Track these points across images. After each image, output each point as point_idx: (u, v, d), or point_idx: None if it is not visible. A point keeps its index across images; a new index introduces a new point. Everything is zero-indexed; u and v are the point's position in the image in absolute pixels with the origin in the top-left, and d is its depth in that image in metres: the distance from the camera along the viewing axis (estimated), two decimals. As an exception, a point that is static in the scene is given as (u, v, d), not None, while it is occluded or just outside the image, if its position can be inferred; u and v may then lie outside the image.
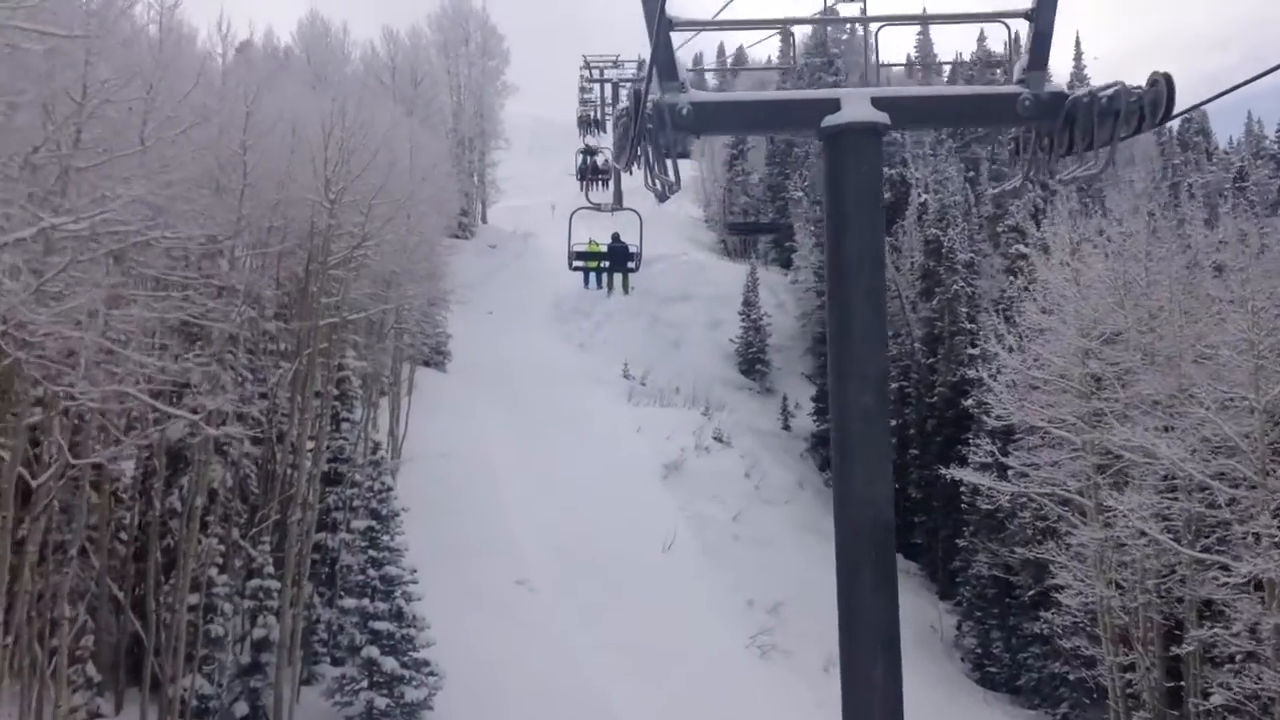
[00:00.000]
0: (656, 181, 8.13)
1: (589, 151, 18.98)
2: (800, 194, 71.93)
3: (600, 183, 18.50)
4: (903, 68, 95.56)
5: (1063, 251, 34.39)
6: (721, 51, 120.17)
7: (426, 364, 53.68)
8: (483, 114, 75.16)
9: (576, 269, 20.72)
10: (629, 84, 12.89)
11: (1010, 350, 35.82)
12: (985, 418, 39.35)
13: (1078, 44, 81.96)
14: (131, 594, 25.68)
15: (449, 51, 73.74)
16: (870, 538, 7.63)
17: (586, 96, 16.46)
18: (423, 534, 37.27)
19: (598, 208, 18.46)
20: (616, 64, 17.75)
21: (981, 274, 54.10)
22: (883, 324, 7.82)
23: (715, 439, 53.07)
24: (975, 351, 50.13)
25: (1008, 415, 34.40)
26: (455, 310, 60.56)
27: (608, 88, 16.61)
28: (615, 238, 21.44)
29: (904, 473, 53.54)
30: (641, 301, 70.78)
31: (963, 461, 48.92)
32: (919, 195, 61.99)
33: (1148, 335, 30.08)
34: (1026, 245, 52.63)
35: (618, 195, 18.01)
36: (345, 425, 30.65)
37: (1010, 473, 38.11)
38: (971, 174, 69.39)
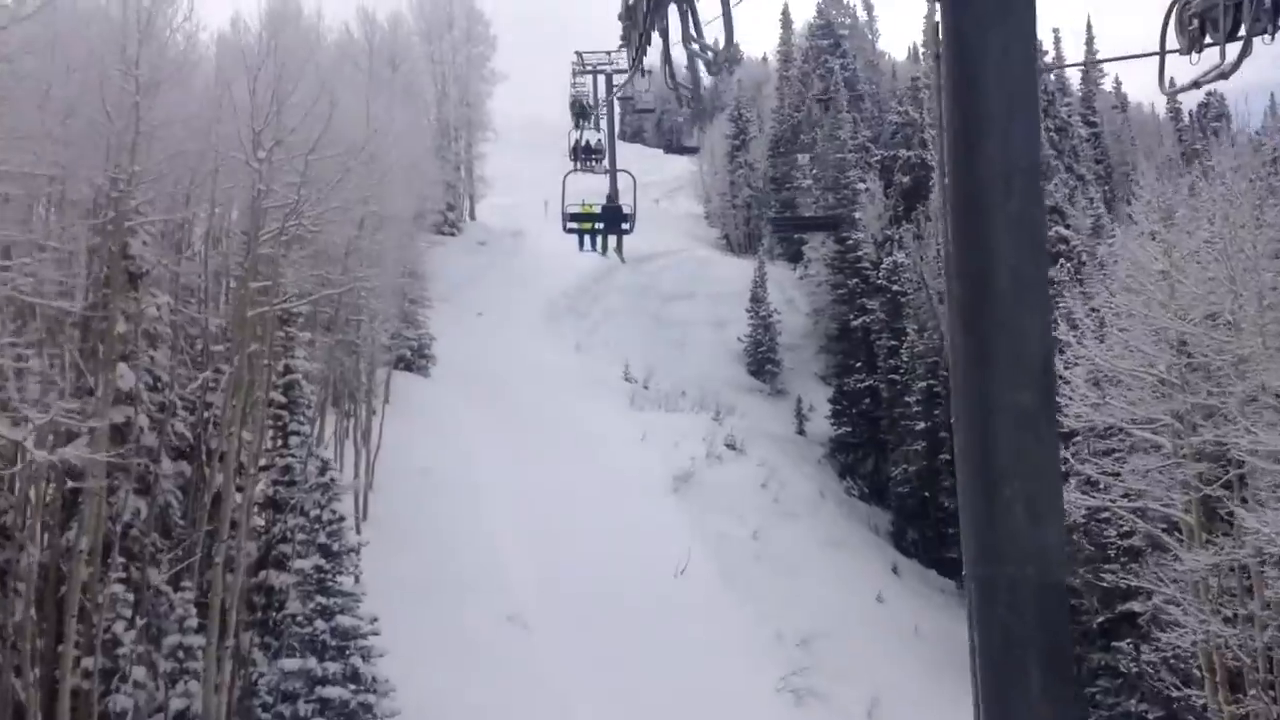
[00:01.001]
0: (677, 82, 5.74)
1: (582, 112, 23.25)
2: (809, 182, 66.16)
3: (594, 160, 21.53)
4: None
5: (1150, 220, 28.58)
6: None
7: (407, 368, 47.86)
8: (469, 103, 69.34)
9: (571, 231, 20.78)
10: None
11: (1078, 341, 30.10)
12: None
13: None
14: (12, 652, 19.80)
15: (431, 38, 68.00)
16: (1035, 610, 3.77)
17: (579, 84, 18.48)
18: (396, 565, 31.53)
19: (590, 168, 21.41)
20: (609, 58, 20.36)
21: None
22: (1044, 276, 4.02)
23: (728, 446, 47.25)
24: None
25: (1086, 416, 28.51)
26: (440, 310, 54.76)
27: (600, 81, 19.50)
28: (610, 198, 20.99)
29: (934, 479, 47.84)
30: (642, 299, 65.20)
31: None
32: (937, 182, 56.25)
33: (1266, 316, 24.33)
34: (1067, 227, 47.12)
35: (612, 159, 21.80)
36: (295, 440, 24.83)
37: (1078, 481, 32.53)
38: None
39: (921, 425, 48.16)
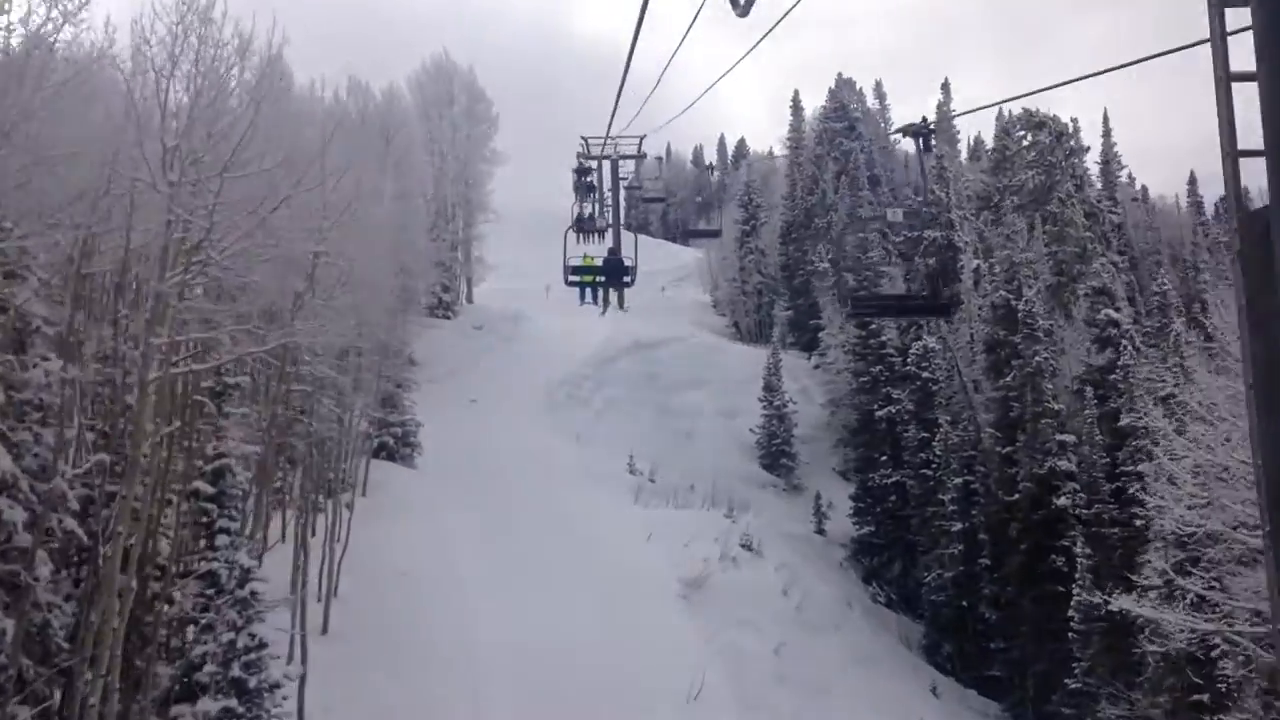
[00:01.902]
0: None
1: (583, 171, 21.50)
2: (825, 265, 61.62)
3: (596, 203, 20.87)
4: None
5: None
6: (722, 143, 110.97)
7: (390, 456, 42.65)
8: (468, 182, 65.23)
9: (572, 284, 20.64)
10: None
11: (1164, 438, 25.03)
12: (1142, 523, 28.29)
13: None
14: None
15: (430, 115, 64.18)
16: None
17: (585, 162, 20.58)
18: (356, 689, 26.08)
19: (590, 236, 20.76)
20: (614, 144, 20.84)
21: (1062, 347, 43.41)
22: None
23: (744, 547, 41.71)
24: (1068, 438, 39.47)
25: (1192, 523, 23.14)
26: (430, 394, 49.87)
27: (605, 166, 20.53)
28: (611, 252, 20.87)
29: (973, 587, 42.22)
30: (647, 388, 60.24)
31: (1059, 576, 37.99)
32: (971, 260, 51.73)
33: None
34: (1117, 310, 42.36)
35: (616, 213, 21.29)
36: (223, 539, 19.62)
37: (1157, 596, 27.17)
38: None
39: (958, 526, 42.71)
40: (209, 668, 17.19)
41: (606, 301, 22.84)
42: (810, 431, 59.56)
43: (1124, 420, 34.90)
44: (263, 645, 17.39)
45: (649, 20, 7.44)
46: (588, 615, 32.12)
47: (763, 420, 57.21)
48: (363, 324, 36.96)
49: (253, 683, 17.10)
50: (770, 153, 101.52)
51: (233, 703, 16.88)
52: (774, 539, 45.17)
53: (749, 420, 58.36)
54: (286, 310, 19.33)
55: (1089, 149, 63.30)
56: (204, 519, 20.18)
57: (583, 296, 22.24)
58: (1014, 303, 41.74)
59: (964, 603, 42.39)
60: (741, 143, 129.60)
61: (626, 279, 20.80)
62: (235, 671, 17.08)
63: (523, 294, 76.20)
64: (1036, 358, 39.62)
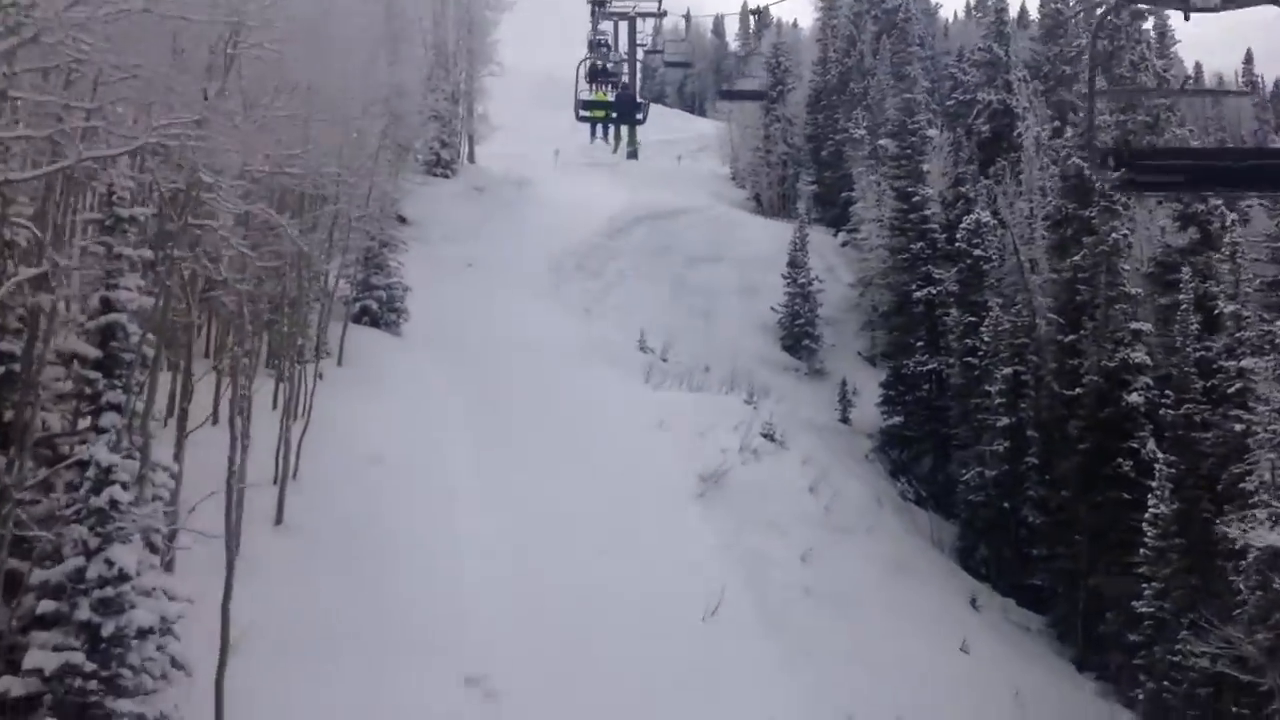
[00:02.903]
0: None
1: (595, 52, 21.13)
2: (862, 132, 55.30)
3: (609, 84, 20.27)
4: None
5: None
6: (744, 11, 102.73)
7: (373, 322, 37.42)
8: (470, 27, 58.51)
9: (583, 119, 20.16)
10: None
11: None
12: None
13: None
14: None
15: (429, -49, 57.20)
16: None
17: (601, 33, 21.99)
18: (310, 592, 21.40)
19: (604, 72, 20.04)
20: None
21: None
22: None
23: (765, 437, 36.68)
24: (1144, 326, 34.10)
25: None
26: (421, 256, 44.40)
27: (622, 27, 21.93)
28: (624, 87, 19.92)
29: (1016, 487, 37.35)
30: (662, 261, 54.64)
31: (1124, 481, 33.07)
32: (1031, 128, 45.55)
33: None
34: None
35: (632, 57, 22.16)
36: (110, 418, 14.52)
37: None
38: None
39: (1004, 421, 37.55)
40: (45, 604, 12.23)
41: (618, 138, 21.92)
42: (835, 313, 54.14)
43: (1227, 307, 29.41)
44: (123, 577, 12.31)
45: None
46: (590, 516, 27.25)
47: (785, 299, 51.75)
48: (342, 166, 31.70)
49: (108, 628, 12.16)
50: (794, 23, 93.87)
51: (78, 656, 11.94)
52: (796, 428, 40.19)
53: (770, 299, 52.92)
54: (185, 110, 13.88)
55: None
56: (87, 390, 15.01)
57: (594, 133, 21.63)
58: (1087, 172, 35.84)
59: (1005, 504, 37.53)
60: (764, 12, 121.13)
61: (639, 116, 20.42)
62: (83, 613, 12.12)
63: (530, 159, 70.03)
64: (1113, 235, 33.88)
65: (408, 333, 37.95)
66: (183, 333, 19.72)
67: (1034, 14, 68.55)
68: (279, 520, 23.81)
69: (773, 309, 51.74)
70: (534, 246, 51.91)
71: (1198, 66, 77.58)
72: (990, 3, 63.69)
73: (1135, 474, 32.67)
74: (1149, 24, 58.01)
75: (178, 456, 18.91)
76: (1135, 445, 33.17)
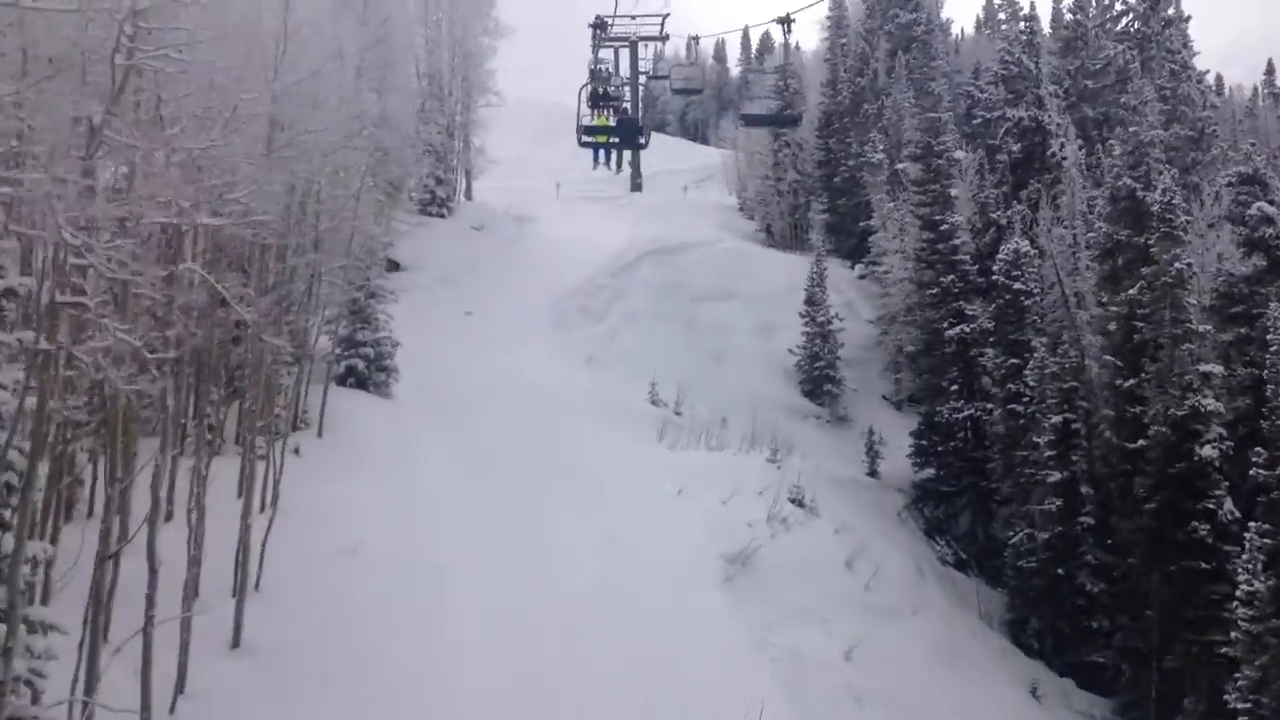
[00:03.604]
0: None
1: (601, 25, 20.83)
2: (880, 156, 51.58)
3: (612, 110, 20.21)
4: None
5: None
6: (745, 36, 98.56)
7: (359, 384, 33.56)
8: (466, 55, 54.88)
9: (585, 144, 20.15)
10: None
11: None
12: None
13: None
14: None
15: (421, -21, 53.71)
16: None
17: (602, 61, 20.47)
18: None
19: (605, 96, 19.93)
20: (634, 22, 20.46)
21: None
22: None
23: (794, 503, 32.71)
24: (1214, 368, 30.18)
25: None
26: (416, 304, 40.73)
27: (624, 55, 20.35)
28: (624, 112, 20.29)
29: (1071, 551, 33.28)
30: (670, 300, 50.91)
31: (1202, 547, 29.09)
32: (1062, 146, 41.81)
33: None
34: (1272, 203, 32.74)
35: (634, 84, 20.56)
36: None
37: None
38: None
39: (1056, 476, 33.56)
40: None
41: (620, 163, 21.47)
42: (856, 353, 50.35)
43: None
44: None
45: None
46: (602, 610, 23.31)
47: (804, 339, 47.99)
48: (326, 210, 28.09)
49: None
50: (797, 46, 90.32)
51: None
52: (825, 487, 36.24)
53: (786, 337, 49.22)
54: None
55: (1189, 18, 52.56)
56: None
57: (596, 158, 20.99)
58: (1142, 194, 32.05)
59: (1059, 570, 33.44)
60: (766, 36, 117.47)
61: (641, 140, 20.25)
62: None
63: (531, 193, 66.59)
64: (1176, 264, 29.96)
65: (398, 394, 34.10)
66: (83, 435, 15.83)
67: (1045, 25, 65.20)
68: (236, 643, 19.88)
69: (790, 351, 48.01)
70: (535, 288, 48.23)
71: (1219, 79, 74.03)
72: (1011, 12, 60.19)
73: (1213, 538, 28.76)
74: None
75: (95, 594, 15.03)
76: (1211, 505, 29.21)
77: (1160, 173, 32.29)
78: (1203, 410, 29.29)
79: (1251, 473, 26.72)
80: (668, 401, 40.59)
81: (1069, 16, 59.82)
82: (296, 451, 27.57)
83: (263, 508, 23.49)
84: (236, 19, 22.92)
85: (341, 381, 32.80)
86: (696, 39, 30.08)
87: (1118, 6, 52.86)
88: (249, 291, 19.56)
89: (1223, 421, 30.01)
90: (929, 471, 41.52)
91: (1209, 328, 29.82)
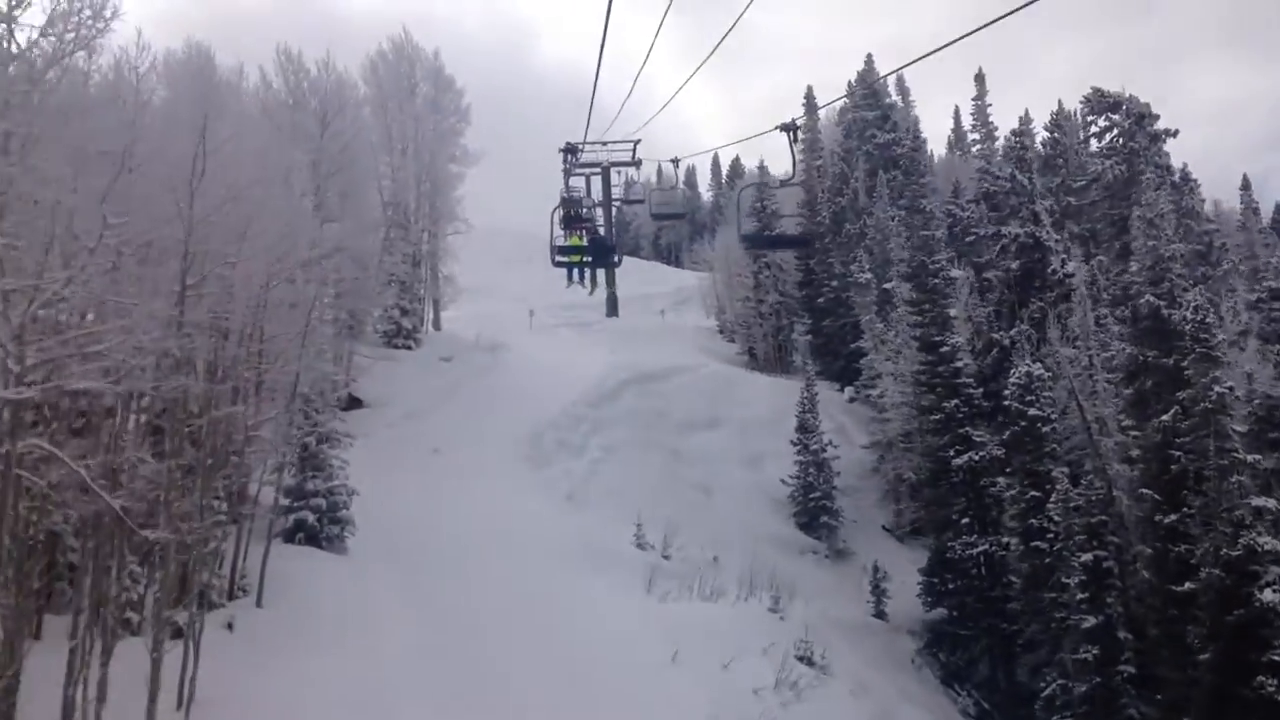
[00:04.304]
0: None
1: (571, 150, 19.87)
2: (868, 275, 48.84)
3: (582, 231, 19.53)
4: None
5: None
6: (715, 162, 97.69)
7: (310, 539, 29.38)
8: (434, 184, 52.20)
9: (559, 264, 19.22)
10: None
11: None
12: None
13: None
14: None
15: (387, 106, 51.26)
16: None
17: (573, 189, 19.50)
18: None
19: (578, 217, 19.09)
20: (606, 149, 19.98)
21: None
22: None
23: (803, 661, 28.66)
24: (1268, 502, 26.71)
25: None
26: (380, 444, 37.01)
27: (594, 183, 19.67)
28: (595, 231, 19.55)
29: (1112, 705, 29.10)
30: (653, 429, 47.33)
31: (1272, 706, 25.18)
32: (1063, 263, 39.11)
33: None
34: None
35: (606, 199, 19.81)
36: None
37: None
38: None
39: (1091, 621, 29.64)
40: None
41: (594, 281, 20.46)
42: (851, 481, 46.74)
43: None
44: None
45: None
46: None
47: (797, 468, 44.39)
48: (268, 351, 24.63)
49: None
50: (762, 166, 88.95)
51: None
52: (832, 636, 32.32)
53: (777, 467, 45.66)
54: None
55: (1176, 132, 50.69)
56: None
57: (570, 277, 20.39)
58: (1167, 311, 28.98)
59: (1087, 754, 29.29)
60: (736, 160, 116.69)
61: (614, 258, 20.11)
62: None
63: (503, 320, 63.46)
64: (1216, 388, 26.69)
65: (355, 549, 29.94)
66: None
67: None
68: None
69: (783, 481, 44.34)
70: (509, 421, 44.55)
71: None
72: (985, 132, 58.48)
73: (1286, 696, 24.88)
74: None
75: None
76: (1277, 657, 25.37)
77: (1185, 289, 29.31)
78: (1260, 549, 25.70)
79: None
80: (655, 543, 36.60)
81: (1046, 134, 58.30)
82: (229, 627, 23.39)
83: (180, 704, 19.32)
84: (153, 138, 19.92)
85: (289, 538, 28.70)
86: (676, 161, 27.87)
87: (1101, 123, 51.04)
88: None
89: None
90: (941, 611, 37.64)
91: (1259, 457, 26.38)
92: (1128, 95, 50.82)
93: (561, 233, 20.43)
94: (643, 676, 25.36)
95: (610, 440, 45.74)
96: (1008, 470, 34.24)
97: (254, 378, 25.75)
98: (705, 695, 24.92)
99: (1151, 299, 29.45)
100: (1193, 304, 27.49)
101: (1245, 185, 73.78)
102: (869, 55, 70.97)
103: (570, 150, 23.32)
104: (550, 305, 70.34)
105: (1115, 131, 50.30)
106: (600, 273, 24.70)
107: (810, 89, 68.97)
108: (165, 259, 20.28)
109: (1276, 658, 25.18)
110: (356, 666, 22.92)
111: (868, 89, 61.21)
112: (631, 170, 25.30)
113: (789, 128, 19.71)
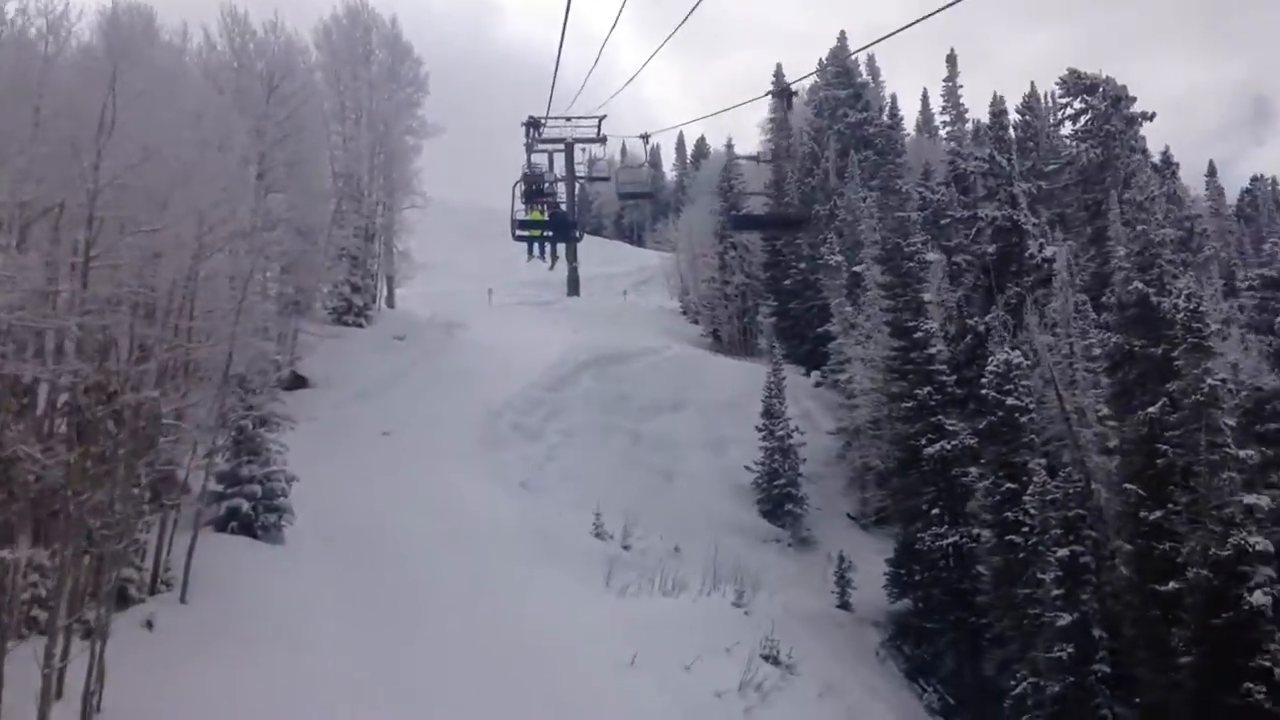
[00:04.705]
0: None
1: (534, 124, 20.61)
2: (839, 258, 47.25)
3: (544, 206, 19.93)
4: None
5: None
6: (681, 141, 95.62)
7: (244, 528, 27.24)
8: (389, 155, 49.81)
9: (520, 238, 19.93)
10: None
11: None
12: None
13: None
14: None
15: (340, 75, 48.80)
16: None
17: (535, 164, 20.29)
18: None
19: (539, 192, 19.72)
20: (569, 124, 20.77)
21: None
22: None
23: (769, 660, 27.07)
24: (1259, 499, 25.41)
25: None
26: (319, 424, 34.94)
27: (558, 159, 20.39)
28: (556, 206, 20.14)
29: (1086, 706, 27.75)
30: (614, 413, 45.62)
31: (1259, 715, 23.92)
32: (1041, 247, 37.72)
33: None
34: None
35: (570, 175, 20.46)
36: None
37: None
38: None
39: (1066, 619, 28.26)
40: None
41: (555, 256, 21.13)
42: (816, 468, 45.26)
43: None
44: None
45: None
46: None
47: (762, 455, 42.83)
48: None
49: None
50: (729, 144, 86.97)
51: None
52: (798, 631, 30.83)
53: (740, 451, 44.12)
54: None
55: (1153, 116, 49.34)
56: None
57: (530, 251, 20.57)
58: (1156, 299, 27.52)
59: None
60: (702, 140, 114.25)
61: (575, 234, 20.46)
62: None
63: (461, 298, 61.41)
64: (1209, 380, 25.28)
65: (293, 539, 27.83)
66: None
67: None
68: None
69: (748, 468, 42.76)
70: (464, 403, 42.49)
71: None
72: (956, 114, 57.05)
73: (1272, 703, 23.62)
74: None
75: None
76: (1266, 663, 24.07)
77: (1175, 275, 27.89)
78: (1251, 549, 24.35)
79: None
80: (614, 533, 34.85)
81: (1018, 117, 56.98)
82: (149, 625, 21.36)
83: (84, 714, 17.32)
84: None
85: (221, 527, 26.57)
86: (646, 136, 26.33)
87: (1076, 105, 49.67)
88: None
89: (1270, 561, 25.14)
90: (907, 603, 36.30)
91: (1251, 453, 25.03)
92: (1105, 77, 49.53)
93: (523, 207, 20.35)
94: (599, 679, 23.61)
95: (569, 424, 43.92)
96: (981, 461, 32.78)
97: (181, 357, 23.59)
98: (666, 699, 23.25)
99: (1140, 286, 27.96)
100: (1185, 291, 26.02)
101: (1211, 172, 73.08)
102: (842, 32, 69.42)
103: (533, 125, 21.66)
104: (509, 284, 68.38)
105: (1091, 114, 48.98)
106: (561, 250, 23.49)
107: (780, 67, 66.92)
108: (76, 226, 18.27)
109: (1266, 663, 23.93)
110: (288, 667, 20.95)
111: (840, 66, 59.52)
112: (596, 147, 24.00)
113: (784, 93, 18.00)
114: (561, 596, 28.00)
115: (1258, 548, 24.38)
